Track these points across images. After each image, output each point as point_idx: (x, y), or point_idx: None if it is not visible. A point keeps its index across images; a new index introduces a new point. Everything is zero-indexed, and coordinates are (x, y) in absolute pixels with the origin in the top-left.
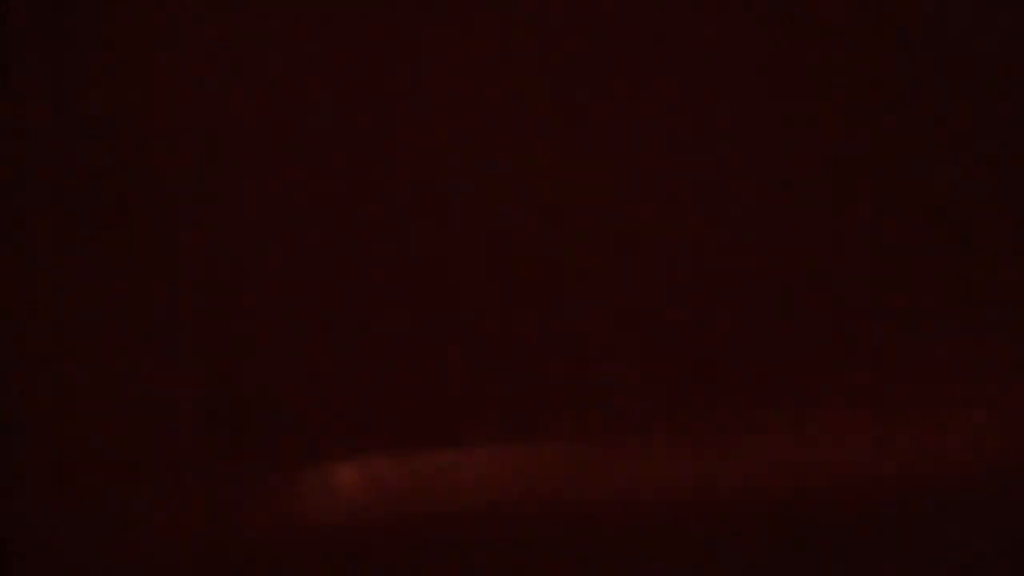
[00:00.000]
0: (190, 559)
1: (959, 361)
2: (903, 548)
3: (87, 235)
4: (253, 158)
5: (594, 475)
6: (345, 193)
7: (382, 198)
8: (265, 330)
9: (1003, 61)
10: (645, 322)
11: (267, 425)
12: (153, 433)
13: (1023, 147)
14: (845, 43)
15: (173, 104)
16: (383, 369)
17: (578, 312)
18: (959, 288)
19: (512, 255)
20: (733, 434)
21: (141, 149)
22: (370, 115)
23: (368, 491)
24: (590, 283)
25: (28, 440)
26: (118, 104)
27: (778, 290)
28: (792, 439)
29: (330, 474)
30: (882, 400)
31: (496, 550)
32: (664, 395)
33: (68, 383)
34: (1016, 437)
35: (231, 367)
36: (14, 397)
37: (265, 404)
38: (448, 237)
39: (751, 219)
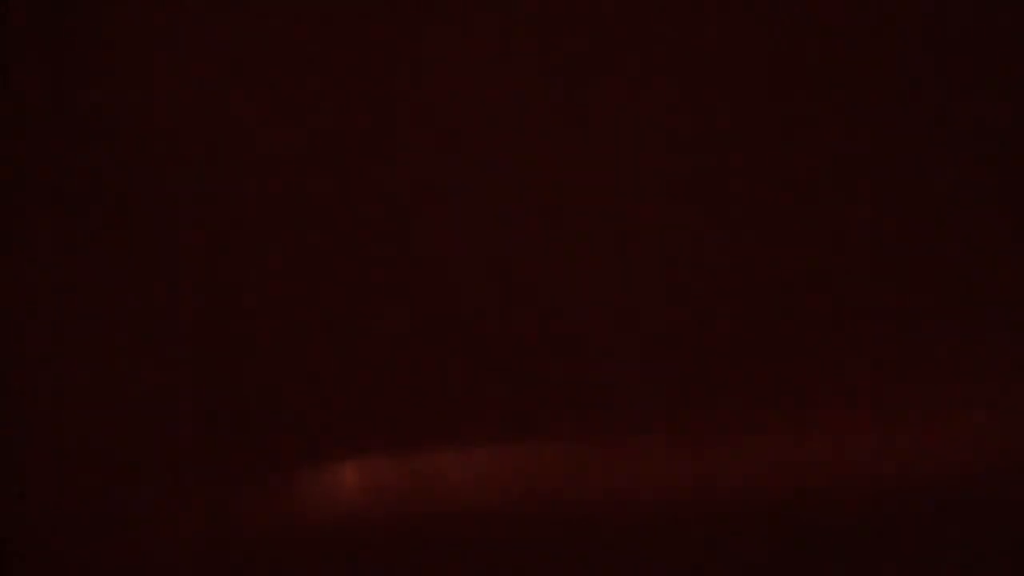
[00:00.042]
0: (190, 559)
1: (959, 361)
2: (903, 548)
3: (87, 235)
4: (253, 158)
5: (594, 475)
6: (345, 193)
7: (382, 198)
8: (265, 330)
9: (1003, 61)
10: (645, 322)
11: (267, 425)
12: (153, 433)
13: (1023, 147)
14: (845, 43)
15: (173, 104)
16: (383, 369)
17: (578, 312)
18: (959, 288)
19: (512, 255)
20: (733, 434)
21: (141, 149)
22: (370, 115)
23: (368, 491)
24: (590, 283)
25: (28, 440)
26: (118, 104)
27: (778, 290)
28: (792, 439)
29: (330, 474)
30: (882, 400)
31: (496, 550)
32: (664, 395)
33: (68, 383)
34: (1016, 437)
35: (231, 367)
36: (14, 397)
37: (265, 404)
38: (448, 237)
39: (751, 219)
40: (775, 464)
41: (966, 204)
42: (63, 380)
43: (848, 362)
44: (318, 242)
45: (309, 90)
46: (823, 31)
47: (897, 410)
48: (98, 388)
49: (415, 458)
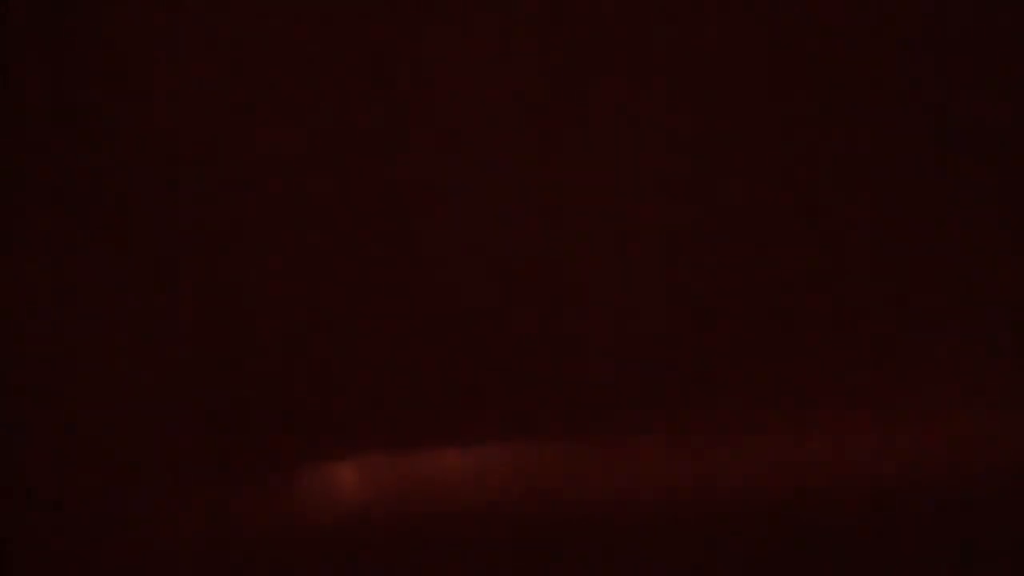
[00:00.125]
0: (190, 559)
1: (959, 361)
2: (903, 548)
3: (87, 235)
4: (253, 158)
5: (594, 475)
6: (345, 193)
7: (382, 198)
8: (265, 330)
9: (1003, 61)
10: (645, 322)
11: (267, 425)
12: (153, 433)
13: (1023, 147)
14: (845, 43)
15: (173, 104)
16: (383, 369)
17: (578, 312)
18: (959, 288)
19: (512, 255)
20: (733, 434)
21: (141, 149)
22: (370, 115)
23: (368, 491)
24: (590, 283)
25: (28, 440)
26: (118, 104)
27: (778, 290)
28: (792, 439)
29: (330, 474)
30: (882, 400)
31: (496, 550)
32: (664, 395)
33: (68, 383)
34: (1016, 437)
35: (231, 367)
36: (14, 397)
37: (265, 404)
38: (448, 237)
39: (751, 219)
40: (775, 464)
41: (966, 204)
42: (63, 380)
43: (848, 362)
44: (318, 242)
45: (309, 90)
46: (823, 31)
47: (897, 410)
48: (98, 388)
49: (415, 458)
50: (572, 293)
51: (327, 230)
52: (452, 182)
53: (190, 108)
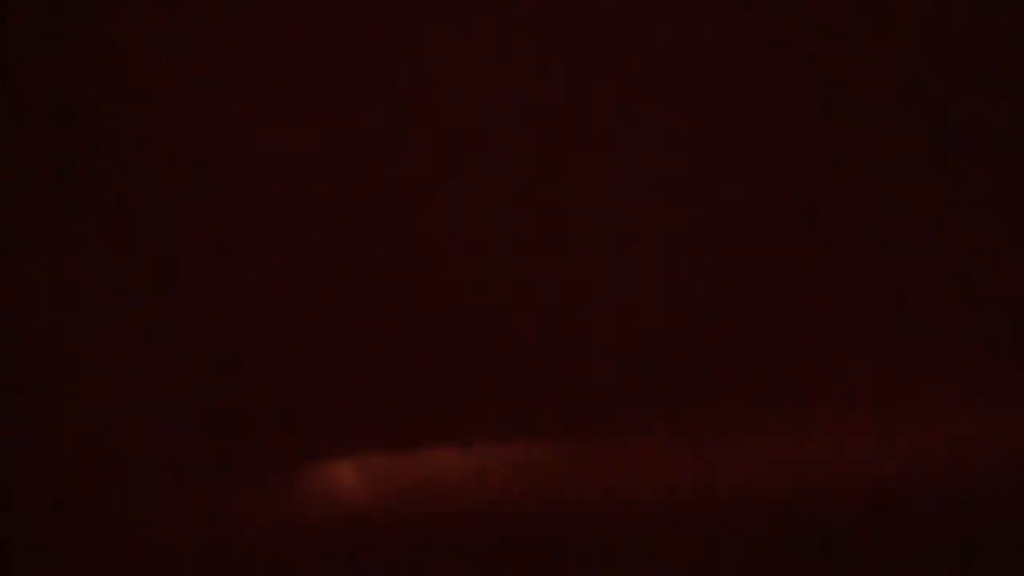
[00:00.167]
0: (190, 559)
1: (959, 361)
2: (903, 548)
3: (87, 235)
4: (253, 158)
5: (594, 475)
6: (345, 193)
7: (382, 198)
8: (265, 330)
9: (1003, 61)
10: (645, 322)
11: (267, 425)
12: (153, 433)
13: (1023, 147)
14: (845, 43)
15: (173, 104)
16: (383, 369)
17: (578, 312)
18: (959, 288)
19: (512, 255)
20: (733, 434)
21: (141, 149)
22: (370, 115)
23: (368, 491)
24: (590, 283)
25: (28, 440)
26: (118, 104)
27: (778, 290)
28: (792, 439)
29: (330, 474)
30: (882, 400)
31: (496, 550)
32: (664, 395)
33: (68, 383)
34: (1016, 437)
35: (231, 367)
36: (14, 397)
37: (265, 404)
38: (448, 237)
39: (751, 219)
40: (775, 464)
41: (966, 204)
42: (63, 380)
43: (848, 362)
44: (318, 242)
45: (309, 90)
46: (823, 31)
47: (897, 410)
48: (98, 388)
49: (415, 458)
50: (572, 293)
51: (327, 230)
52: (452, 182)
53: (190, 108)
